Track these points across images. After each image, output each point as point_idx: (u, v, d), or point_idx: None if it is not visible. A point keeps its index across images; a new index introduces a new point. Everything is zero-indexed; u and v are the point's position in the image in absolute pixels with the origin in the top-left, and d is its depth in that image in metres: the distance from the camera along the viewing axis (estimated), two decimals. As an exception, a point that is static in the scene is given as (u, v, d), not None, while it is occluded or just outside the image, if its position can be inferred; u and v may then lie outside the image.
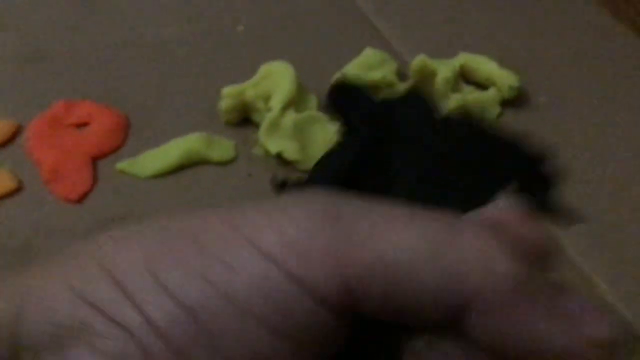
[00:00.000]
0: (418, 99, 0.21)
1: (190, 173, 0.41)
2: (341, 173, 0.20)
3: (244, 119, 0.45)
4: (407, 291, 0.16)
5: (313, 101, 0.43)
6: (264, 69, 0.44)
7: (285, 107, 0.42)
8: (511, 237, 0.16)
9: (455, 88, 0.47)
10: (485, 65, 0.47)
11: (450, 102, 0.46)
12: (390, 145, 0.20)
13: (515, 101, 0.47)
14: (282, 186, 0.21)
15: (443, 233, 0.16)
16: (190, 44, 0.51)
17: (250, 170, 0.42)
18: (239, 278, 0.16)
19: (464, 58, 0.48)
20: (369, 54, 0.48)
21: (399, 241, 0.16)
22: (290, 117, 0.41)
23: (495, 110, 0.46)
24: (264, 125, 0.41)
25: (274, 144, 0.41)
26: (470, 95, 0.46)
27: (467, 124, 0.21)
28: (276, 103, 0.41)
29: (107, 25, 0.53)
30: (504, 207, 0.17)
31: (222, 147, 0.42)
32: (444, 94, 0.46)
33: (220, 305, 0.16)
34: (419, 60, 0.47)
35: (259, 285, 0.16)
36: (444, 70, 0.46)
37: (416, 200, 0.18)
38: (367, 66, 0.46)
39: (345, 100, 0.21)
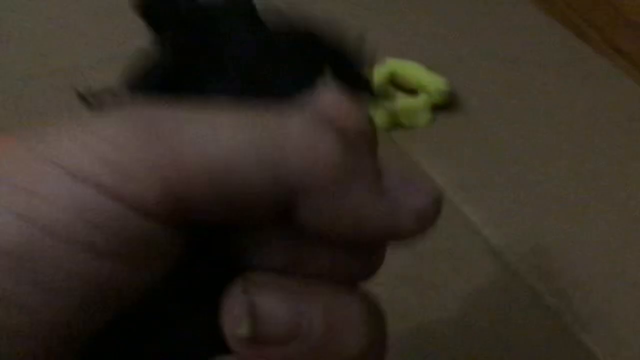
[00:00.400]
0: (239, 3, 0.20)
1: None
2: (155, 81, 0.18)
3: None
4: (234, 191, 0.15)
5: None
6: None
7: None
8: (334, 122, 0.16)
9: (386, 96, 0.46)
10: (413, 71, 0.46)
11: (382, 111, 0.45)
12: (206, 51, 0.19)
13: (446, 105, 0.46)
14: (86, 98, 0.19)
15: (266, 128, 0.15)
16: (106, 67, 0.49)
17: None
18: (52, 206, 0.14)
19: (393, 65, 0.46)
20: (294, 67, 0.46)
21: (222, 143, 0.15)
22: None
23: (426, 116, 0.45)
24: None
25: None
26: (400, 103, 0.45)
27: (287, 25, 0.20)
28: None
29: (17, 55, 0.50)
30: (324, 96, 0.17)
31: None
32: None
33: (39, 238, 0.14)
34: (345, 70, 0.46)
35: (76, 208, 0.14)
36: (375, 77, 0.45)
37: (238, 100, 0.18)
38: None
39: (158, 6, 0.19)
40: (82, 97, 0.18)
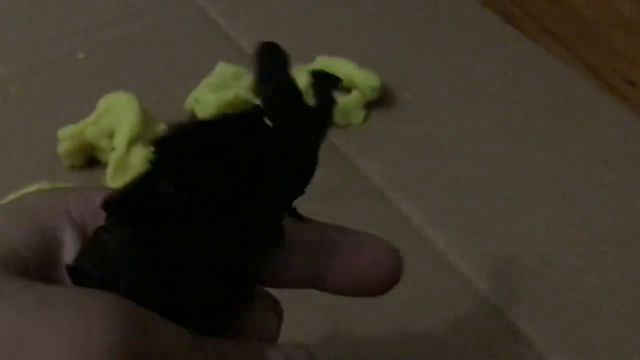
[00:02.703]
0: None
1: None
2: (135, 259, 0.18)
3: (91, 159, 0.41)
4: None
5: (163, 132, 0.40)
6: (104, 102, 0.40)
7: (131, 144, 0.38)
8: None
9: (317, 95, 0.44)
10: (343, 68, 0.45)
11: (313, 111, 0.44)
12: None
13: (379, 101, 0.45)
14: (79, 276, 0.18)
15: None
16: (25, 80, 0.46)
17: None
18: None
19: (321, 62, 0.45)
20: (221, 70, 0.44)
21: None
22: (139, 153, 0.38)
23: (360, 113, 0.44)
24: (110, 168, 0.38)
25: (123, 186, 0.37)
26: (332, 102, 0.44)
27: None
28: (120, 140, 0.38)
29: None
30: None
31: (68, 196, 0.38)
32: (305, 104, 0.44)
33: None
34: (275, 71, 0.44)
35: None
36: (302, 78, 0.43)
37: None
38: (219, 84, 0.43)
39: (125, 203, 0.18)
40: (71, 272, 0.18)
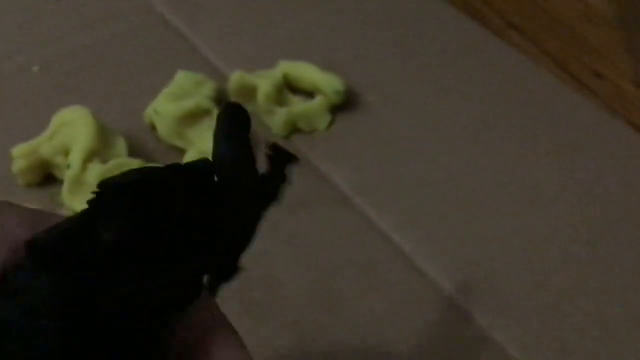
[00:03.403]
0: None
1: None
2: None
3: (48, 176, 0.40)
4: None
5: (121, 145, 0.39)
6: (58, 118, 0.39)
7: (87, 160, 0.37)
8: None
9: (281, 101, 0.43)
10: (307, 73, 0.44)
11: (278, 118, 0.42)
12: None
13: (345, 105, 0.44)
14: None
15: None
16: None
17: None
18: None
19: (285, 67, 0.44)
20: (181, 79, 0.43)
21: None
22: (95, 169, 0.36)
23: (325, 119, 0.43)
24: (66, 185, 0.36)
25: (81, 204, 0.36)
26: (296, 108, 0.43)
27: None
28: (75, 158, 0.36)
29: None
30: None
31: (24, 216, 0.37)
32: (268, 110, 0.43)
33: None
34: (236, 77, 0.43)
35: None
36: (265, 84, 0.43)
37: None
38: (180, 94, 0.42)
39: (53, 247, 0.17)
40: None
